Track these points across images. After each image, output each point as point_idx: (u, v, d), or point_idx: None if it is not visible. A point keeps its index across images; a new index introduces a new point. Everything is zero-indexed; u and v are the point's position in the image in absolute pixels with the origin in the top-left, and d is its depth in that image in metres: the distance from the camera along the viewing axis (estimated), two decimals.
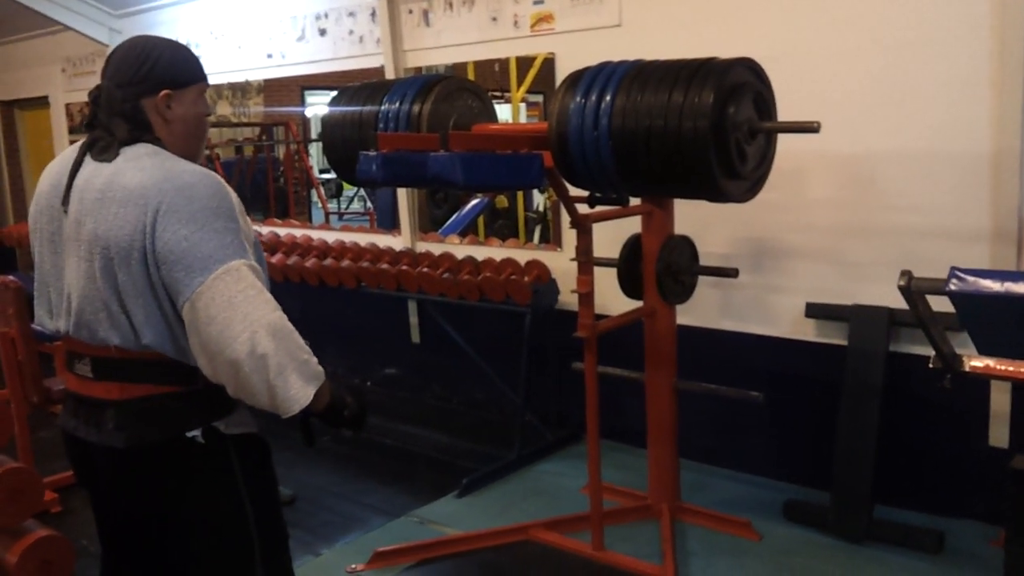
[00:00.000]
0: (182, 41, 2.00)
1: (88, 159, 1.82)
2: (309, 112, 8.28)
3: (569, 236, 4.15)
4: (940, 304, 2.39)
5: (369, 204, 8.90)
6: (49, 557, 2.87)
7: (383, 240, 5.23)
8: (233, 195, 1.80)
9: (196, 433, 1.79)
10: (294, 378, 1.70)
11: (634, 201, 3.38)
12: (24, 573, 2.82)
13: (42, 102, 8.01)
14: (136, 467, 1.80)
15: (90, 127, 1.86)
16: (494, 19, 4.49)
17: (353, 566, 3.30)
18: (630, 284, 3.45)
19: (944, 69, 3.24)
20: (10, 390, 3.85)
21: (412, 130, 3.20)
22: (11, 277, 4.01)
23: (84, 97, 8.15)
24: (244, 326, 1.64)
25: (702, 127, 2.59)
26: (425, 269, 4.62)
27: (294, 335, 1.75)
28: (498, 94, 5.21)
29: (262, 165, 8.51)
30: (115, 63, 1.87)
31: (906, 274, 2.28)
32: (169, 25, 6.35)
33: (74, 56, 7.40)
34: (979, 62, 3.15)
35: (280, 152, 8.77)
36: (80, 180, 1.80)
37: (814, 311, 3.65)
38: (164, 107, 1.84)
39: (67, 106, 7.72)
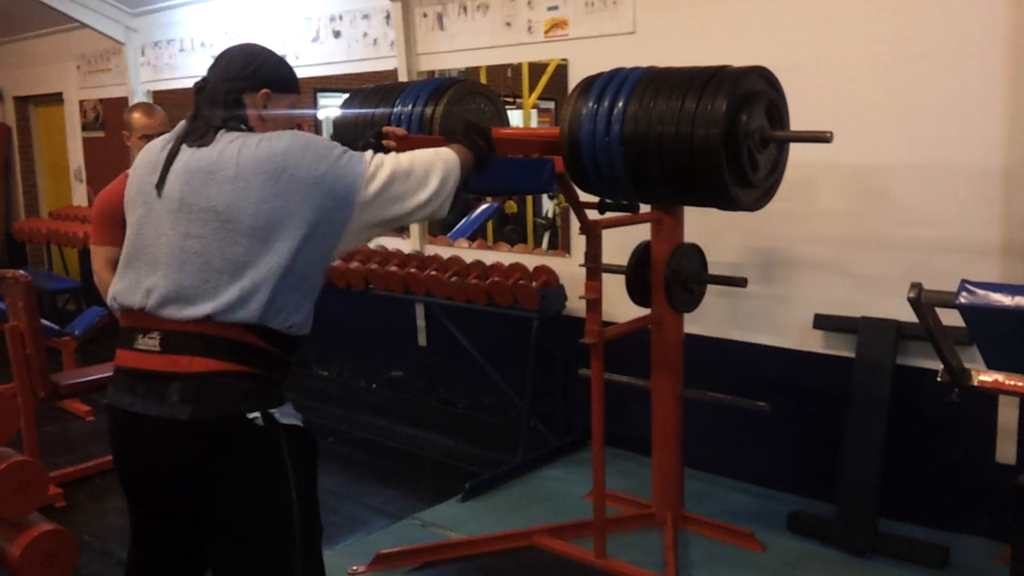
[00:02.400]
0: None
1: (184, 148, 1.94)
2: (321, 115, 8.30)
3: (578, 242, 4.16)
4: (949, 318, 2.38)
5: None
6: (53, 551, 2.88)
7: (392, 242, 5.24)
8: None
9: (256, 415, 1.86)
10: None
11: (644, 208, 3.38)
12: (28, 566, 2.83)
13: (56, 99, 8.06)
14: (197, 441, 1.85)
15: (193, 118, 1.99)
16: (508, 24, 4.50)
17: (355, 568, 3.30)
18: (638, 291, 3.45)
19: (957, 82, 3.23)
20: (17, 384, 3.87)
21: (424, 132, 3.20)
22: (21, 272, 4.03)
23: (98, 95, 8.21)
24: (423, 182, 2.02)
25: (714, 135, 2.58)
26: (433, 272, 4.62)
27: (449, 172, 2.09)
28: (509, 100, 5.22)
29: None
30: (225, 60, 2.04)
31: (916, 286, 2.27)
32: (184, 24, 6.39)
33: (89, 53, 7.45)
34: (992, 75, 3.15)
35: None
36: (179, 165, 1.91)
37: (822, 322, 3.65)
38: (262, 105, 2.00)
39: (81, 103, 7.77)
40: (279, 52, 2.17)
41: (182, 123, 2.02)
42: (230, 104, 1.97)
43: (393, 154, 2.03)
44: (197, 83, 2.03)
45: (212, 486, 1.88)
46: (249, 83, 2.00)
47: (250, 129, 1.98)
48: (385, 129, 2.47)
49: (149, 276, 1.91)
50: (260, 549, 1.92)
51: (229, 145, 1.90)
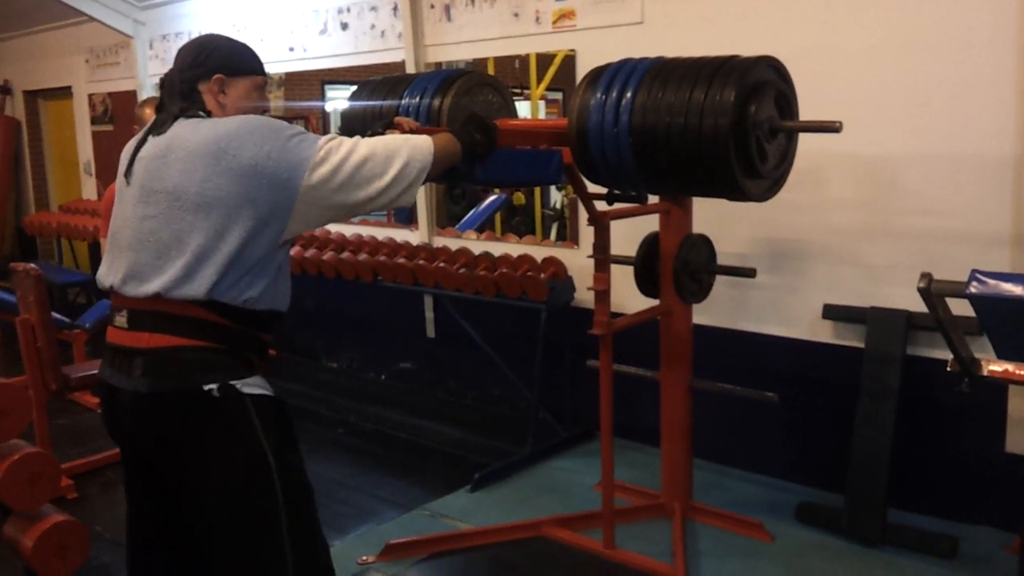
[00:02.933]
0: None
1: (149, 138, 2.04)
2: (329, 107, 8.30)
3: (586, 233, 4.16)
4: (959, 308, 2.37)
5: None
6: (65, 542, 2.90)
7: (400, 234, 5.24)
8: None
9: (213, 387, 1.91)
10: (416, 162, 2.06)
11: (652, 199, 3.37)
12: (40, 557, 2.85)
13: (65, 92, 8.08)
14: (157, 412, 1.94)
15: (158, 111, 2.10)
16: (516, 15, 4.49)
17: (364, 558, 3.32)
18: (647, 282, 3.44)
19: (968, 71, 3.21)
20: (29, 376, 3.89)
21: (432, 124, 3.20)
22: (32, 265, 4.05)
23: (107, 88, 8.24)
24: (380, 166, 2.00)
25: (723, 125, 2.58)
26: (442, 264, 4.63)
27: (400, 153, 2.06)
28: (517, 91, 5.21)
29: None
30: (181, 54, 2.12)
31: (926, 276, 2.27)
32: (192, 17, 6.39)
33: (98, 47, 7.46)
34: (1004, 64, 3.13)
35: None
36: (142, 153, 2.03)
37: (831, 313, 3.64)
38: (217, 90, 2.06)
39: (90, 96, 7.78)
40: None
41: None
42: (186, 94, 2.05)
43: (357, 138, 2.02)
44: (161, 78, 2.14)
45: (182, 462, 1.95)
46: (202, 71, 2.07)
47: (208, 113, 2.05)
48: (397, 120, 2.47)
49: (117, 259, 2.02)
50: (242, 521, 1.95)
51: (183, 129, 1.99)
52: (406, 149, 2.05)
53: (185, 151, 1.93)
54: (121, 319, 2.00)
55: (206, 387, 1.91)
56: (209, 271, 1.90)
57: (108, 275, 2.05)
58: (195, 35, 2.14)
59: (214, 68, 2.06)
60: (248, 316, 1.98)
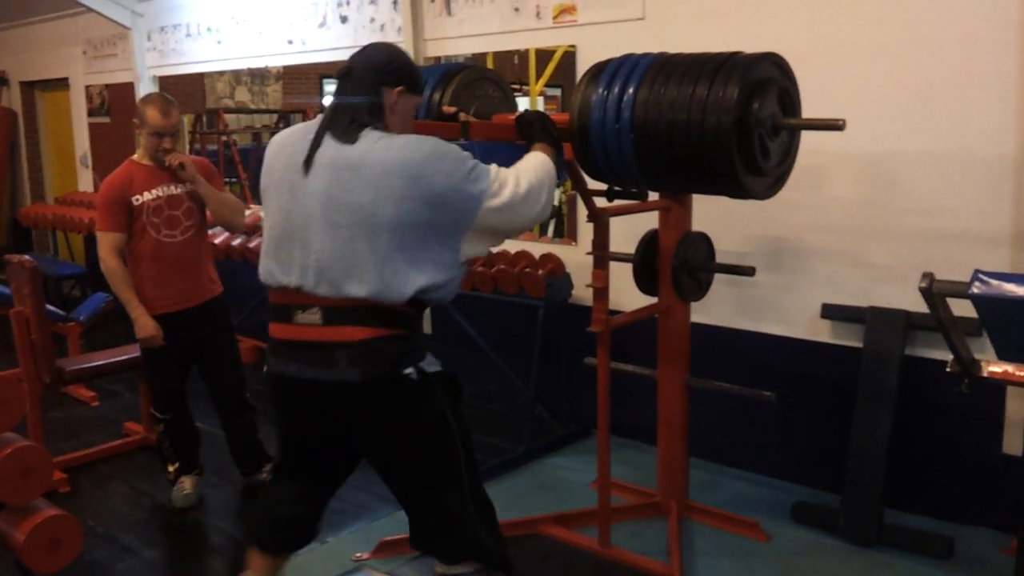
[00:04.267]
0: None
1: (328, 138, 2.17)
2: (327, 101, 8.28)
3: (585, 230, 4.14)
4: (958, 308, 2.36)
5: None
6: (58, 536, 2.89)
7: None
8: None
9: (411, 371, 2.21)
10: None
11: (652, 196, 3.36)
12: (33, 551, 2.84)
13: (62, 84, 8.05)
14: (368, 396, 2.21)
15: (335, 107, 2.23)
16: (516, 9, 4.47)
17: (359, 554, 3.30)
18: (645, 280, 3.43)
19: (970, 70, 3.20)
20: (23, 369, 3.87)
21: (432, 118, 3.18)
22: (27, 257, 4.03)
23: (104, 80, 8.19)
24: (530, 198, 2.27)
25: (725, 122, 2.57)
26: None
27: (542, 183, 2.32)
28: (516, 86, 5.19)
29: None
30: (370, 52, 2.29)
31: (928, 276, 2.25)
32: (191, 8, 6.37)
33: (95, 39, 7.43)
34: (1006, 64, 3.12)
35: None
36: (325, 157, 2.16)
37: (830, 312, 3.63)
38: (395, 99, 2.24)
39: (87, 88, 7.75)
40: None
41: (323, 112, 2.25)
42: (372, 92, 2.21)
43: (511, 173, 2.25)
44: (341, 69, 2.27)
45: (385, 431, 2.28)
46: (391, 77, 2.24)
47: (385, 126, 2.21)
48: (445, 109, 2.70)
49: (303, 258, 2.17)
50: (436, 470, 2.31)
51: (375, 144, 2.14)
52: (548, 180, 2.32)
53: (381, 169, 2.10)
54: (311, 316, 2.19)
55: (405, 372, 2.20)
56: (409, 284, 2.14)
57: (288, 274, 2.21)
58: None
59: (402, 79, 2.25)
60: (421, 303, 2.24)
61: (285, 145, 2.27)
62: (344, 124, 2.18)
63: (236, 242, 5.62)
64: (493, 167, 2.22)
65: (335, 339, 2.17)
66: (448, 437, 2.31)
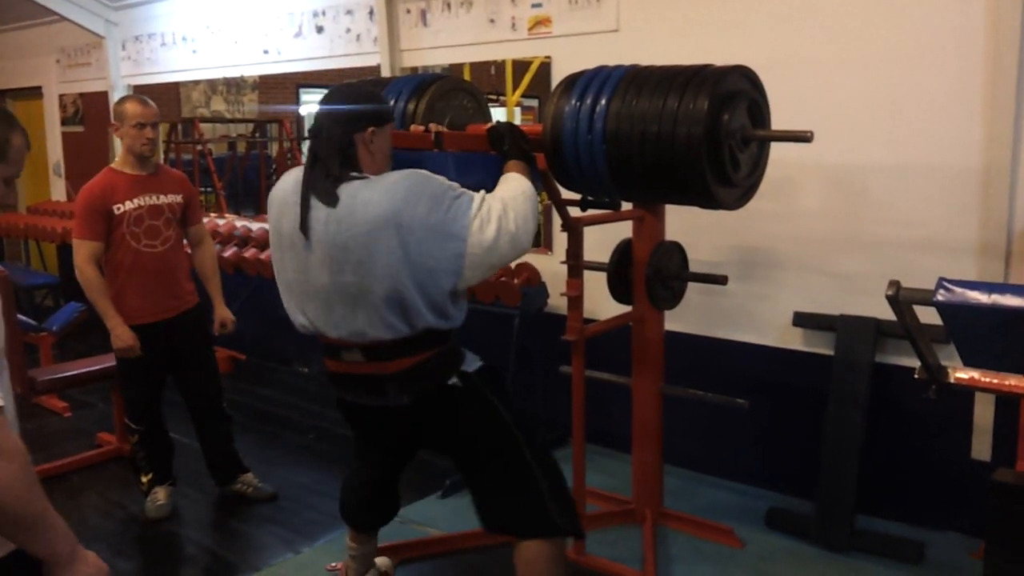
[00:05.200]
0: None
1: (314, 200, 2.28)
2: (303, 111, 8.26)
3: (560, 239, 4.16)
4: (926, 316, 2.40)
5: None
6: None
7: None
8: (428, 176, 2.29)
9: (455, 380, 2.45)
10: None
11: (626, 206, 3.38)
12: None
13: (35, 92, 7.98)
14: (419, 413, 2.48)
15: (312, 163, 2.33)
16: (492, 21, 4.50)
17: (334, 564, 3.29)
18: (620, 289, 3.45)
19: (937, 83, 3.26)
20: None
21: (406, 128, 3.20)
22: None
23: (78, 89, 8.11)
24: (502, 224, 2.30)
25: (696, 133, 2.59)
26: None
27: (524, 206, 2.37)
28: (493, 97, 5.21)
29: (255, 162, 8.48)
30: (332, 103, 2.36)
31: (894, 284, 2.29)
32: (166, 18, 6.34)
33: (69, 47, 7.38)
34: (972, 76, 3.18)
35: (273, 149, 8.75)
36: (318, 223, 2.28)
37: (801, 320, 3.67)
38: (369, 141, 2.33)
39: (60, 97, 7.69)
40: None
41: (302, 167, 2.36)
42: (343, 148, 2.30)
43: (497, 208, 2.29)
44: (311, 129, 2.38)
45: (443, 434, 2.55)
46: (358, 124, 2.32)
47: (359, 170, 2.31)
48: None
49: (327, 316, 2.36)
50: (500, 458, 2.51)
51: (355, 200, 2.23)
52: (532, 204, 2.38)
53: (366, 223, 2.20)
54: (354, 356, 2.41)
55: (449, 383, 2.44)
56: (421, 317, 2.30)
57: (321, 328, 2.40)
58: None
59: (369, 120, 2.33)
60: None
61: (285, 204, 2.38)
62: (323, 185, 2.27)
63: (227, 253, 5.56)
64: (476, 200, 2.28)
65: (380, 372, 2.40)
66: (503, 427, 2.51)
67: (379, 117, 2.37)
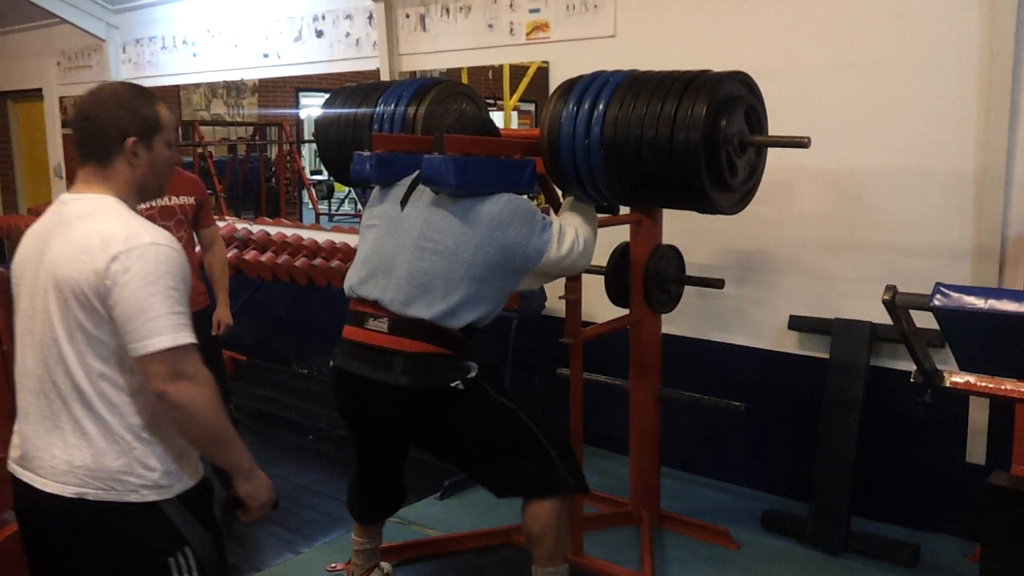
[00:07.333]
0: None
1: (421, 186, 2.67)
2: (303, 114, 8.27)
3: None
4: (922, 320, 2.42)
5: (360, 206, 8.89)
6: None
7: None
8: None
9: (458, 383, 2.58)
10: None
11: (623, 210, 3.40)
12: (3, 565, 2.81)
13: (36, 95, 7.99)
14: (415, 403, 2.59)
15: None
16: (490, 26, 4.52)
17: (334, 565, 3.31)
18: (617, 292, 3.47)
19: (932, 88, 3.28)
20: None
21: (407, 132, 3.21)
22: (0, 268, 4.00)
23: (79, 91, 8.16)
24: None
25: (694, 139, 2.61)
26: None
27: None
28: (491, 101, 5.23)
29: (254, 165, 8.49)
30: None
31: (891, 288, 2.31)
32: (166, 22, 6.36)
33: (69, 50, 7.39)
34: (966, 82, 3.21)
35: (273, 152, 8.76)
36: (420, 204, 2.64)
37: (797, 324, 3.69)
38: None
39: (61, 99, 7.70)
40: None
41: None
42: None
43: (570, 229, 2.69)
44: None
45: (431, 433, 2.68)
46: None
47: None
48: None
49: (384, 279, 2.61)
50: (514, 444, 2.65)
51: (462, 198, 2.55)
52: (594, 228, 2.82)
53: (470, 213, 2.54)
54: (379, 324, 2.60)
55: (452, 384, 2.57)
56: (469, 313, 2.55)
57: (370, 289, 2.63)
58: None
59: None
60: (474, 330, 2.64)
61: (395, 186, 2.76)
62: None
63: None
64: (555, 223, 2.67)
65: (395, 347, 2.56)
66: (514, 418, 2.66)
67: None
